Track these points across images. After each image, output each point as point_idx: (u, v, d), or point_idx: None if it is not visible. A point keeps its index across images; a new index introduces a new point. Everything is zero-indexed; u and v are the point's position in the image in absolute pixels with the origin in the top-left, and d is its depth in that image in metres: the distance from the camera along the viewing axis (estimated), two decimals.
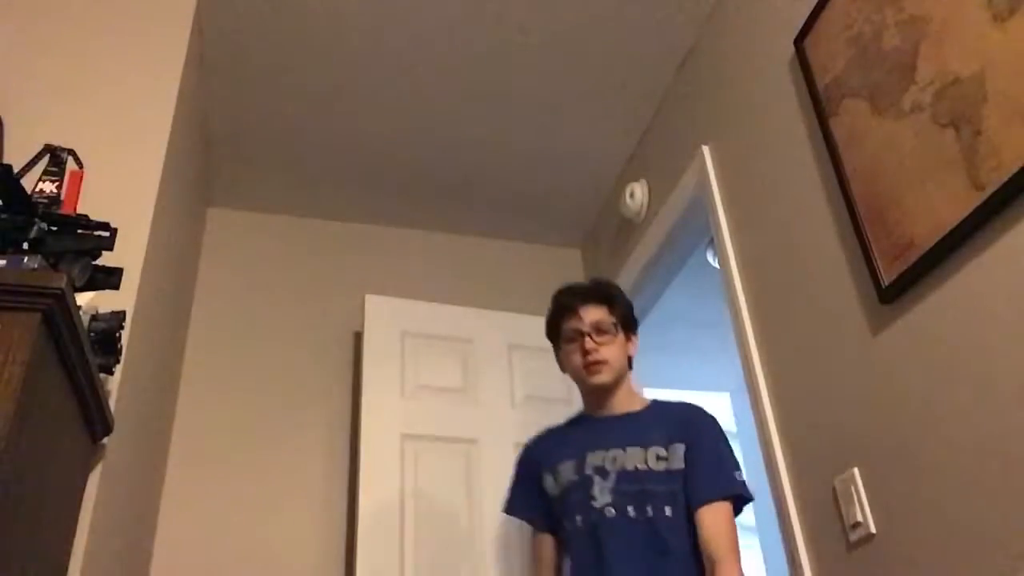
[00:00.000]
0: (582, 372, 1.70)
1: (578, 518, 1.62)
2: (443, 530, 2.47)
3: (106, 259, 1.39)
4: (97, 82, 1.95)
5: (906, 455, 1.48)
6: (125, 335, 1.53)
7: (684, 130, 2.54)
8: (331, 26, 2.38)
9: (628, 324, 1.76)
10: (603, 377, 1.68)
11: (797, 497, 1.80)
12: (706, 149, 2.37)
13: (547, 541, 1.74)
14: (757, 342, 2.03)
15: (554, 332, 1.78)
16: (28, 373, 1.07)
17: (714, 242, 2.33)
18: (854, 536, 1.58)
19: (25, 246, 1.25)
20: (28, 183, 1.41)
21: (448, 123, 2.77)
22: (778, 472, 1.85)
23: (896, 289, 1.51)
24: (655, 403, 1.76)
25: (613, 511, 1.58)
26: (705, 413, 1.70)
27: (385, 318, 2.77)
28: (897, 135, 1.52)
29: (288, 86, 2.58)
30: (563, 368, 1.79)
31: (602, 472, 1.63)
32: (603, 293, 1.76)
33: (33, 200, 1.34)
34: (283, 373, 2.77)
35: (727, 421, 4.07)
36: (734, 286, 2.15)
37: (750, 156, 2.15)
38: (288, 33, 2.39)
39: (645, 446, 1.62)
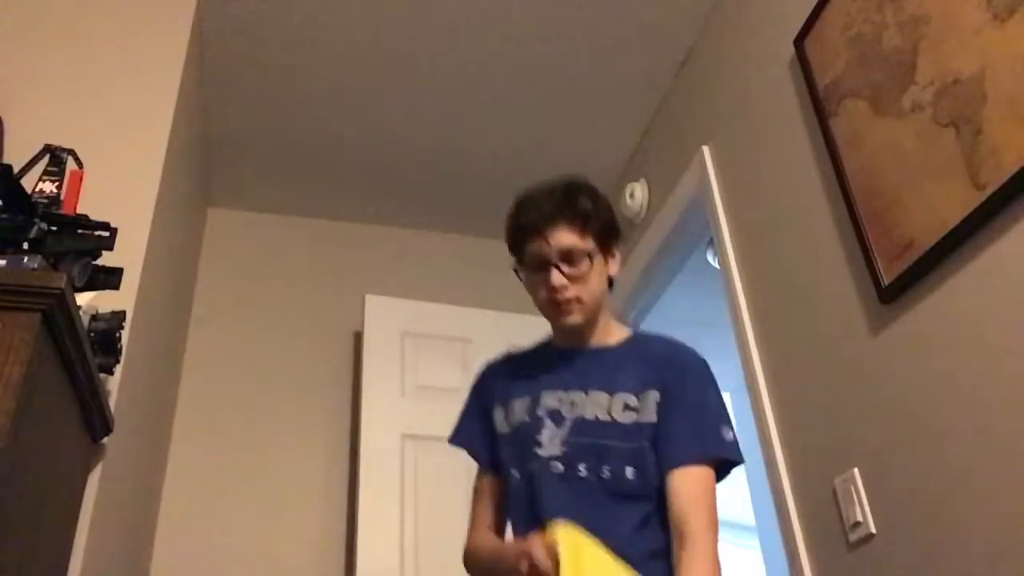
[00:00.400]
0: (549, 311, 1.40)
1: (527, 466, 1.34)
2: (443, 530, 2.47)
3: (106, 259, 1.39)
4: (97, 82, 1.95)
5: (906, 455, 1.48)
6: (125, 335, 1.53)
7: (684, 130, 2.55)
8: (331, 27, 2.38)
9: (608, 241, 1.42)
10: (575, 319, 1.37)
11: (797, 497, 1.80)
12: (706, 149, 2.37)
13: (491, 479, 1.45)
14: (757, 342, 2.03)
15: (516, 249, 1.43)
16: (28, 373, 1.08)
17: (714, 242, 2.33)
18: (854, 536, 1.58)
19: (25, 246, 1.25)
20: (28, 183, 1.41)
21: (448, 123, 2.76)
22: (778, 472, 1.85)
23: (896, 289, 1.51)
24: (635, 337, 1.47)
25: (561, 466, 1.30)
26: (689, 353, 1.41)
27: (385, 318, 2.77)
28: (897, 135, 1.52)
29: (288, 86, 2.58)
30: (528, 291, 1.46)
31: (556, 417, 1.34)
32: (576, 210, 1.37)
33: (33, 200, 1.34)
34: (283, 373, 2.77)
35: None
36: (734, 286, 2.15)
37: (750, 156, 2.15)
38: (288, 33, 2.39)
39: (612, 391, 1.34)
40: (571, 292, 1.35)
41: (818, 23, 1.80)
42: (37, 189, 1.43)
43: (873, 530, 1.53)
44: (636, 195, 2.77)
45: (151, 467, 2.26)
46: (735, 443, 1.31)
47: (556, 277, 1.34)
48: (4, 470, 1.03)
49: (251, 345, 2.79)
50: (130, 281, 1.60)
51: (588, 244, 1.36)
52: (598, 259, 1.38)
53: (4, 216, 1.26)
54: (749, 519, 3.73)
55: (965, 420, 1.34)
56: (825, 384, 1.74)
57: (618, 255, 1.45)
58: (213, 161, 2.85)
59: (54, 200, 1.42)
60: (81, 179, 1.47)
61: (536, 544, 1.12)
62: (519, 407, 1.41)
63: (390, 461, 2.52)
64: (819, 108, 1.78)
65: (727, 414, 1.34)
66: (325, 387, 2.78)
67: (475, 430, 1.49)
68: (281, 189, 3.02)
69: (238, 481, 2.54)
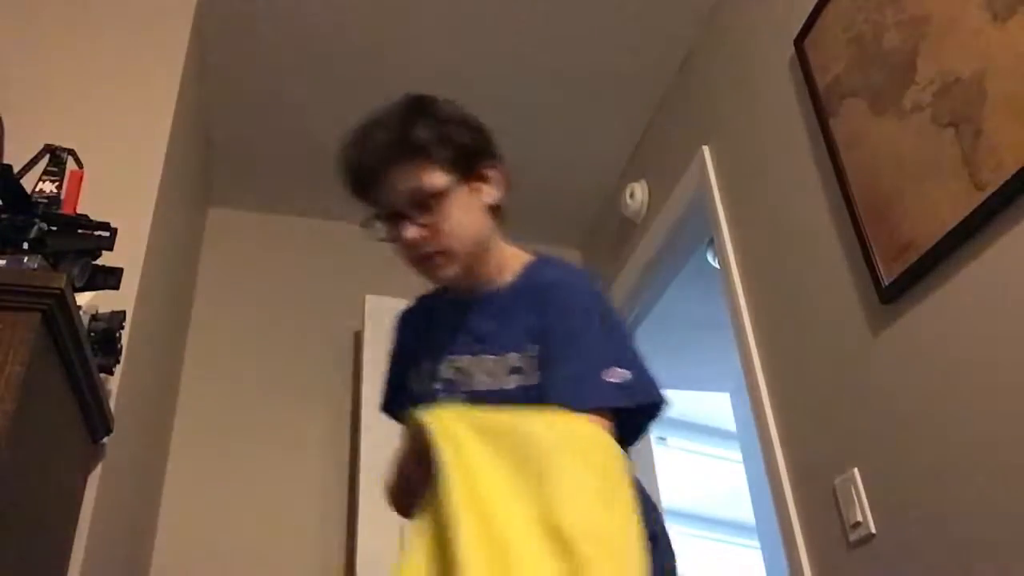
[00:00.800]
0: (416, 269, 1.15)
1: None
2: None
3: (106, 259, 1.39)
4: (97, 82, 1.95)
5: (906, 455, 1.48)
6: (125, 335, 1.53)
7: (684, 130, 2.54)
8: (331, 26, 2.38)
9: (470, 167, 1.14)
10: (445, 273, 1.13)
11: (797, 497, 1.80)
12: (706, 149, 2.37)
13: None
14: (757, 342, 2.03)
15: (361, 197, 1.18)
16: (28, 373, 1.07)
17: (714, 242, 2.33)
18: (854, 536, 1.58)
19: (25, 246, 1.25)
20: (28, 183, 1.41)
21: None
22: (778, 472, 1.85)
23: (896, 289, 1.51)
24: (527, 271, 1.17)
25: None
26: (568, 287, 1.13)
27: (385, 318, 2.76)
28: (897, 135, 1.52)
29: (288, 86, 2.58)
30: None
31: (451, 388, 1.14)
32: (414, 144, 1.10)
33: (33, 200, 1.34)
34: (283, 373, 2.77)
35: (727, 421, 4.06)
36: (734, 286, 2.15)
37: (750, 156, 2.15)
38: (288, 33, 2.39)
39: (499, 352, 1.10)
40: (431, 245, 1.10)
41: (818, 23, 1.80)
42: (37, 189, 1.43)
43: (873, 530, 1.53)
44: (636, 195, 2.77)
45: (151, 467, 2.26)
46: (627, 385, 1.00)
47: (409, 231, 1.09)
48: (4, 470, 1.03)
49: (251, 345, 2.79)
50: (130, 281, 1.60)
51: (439, 180, 1.10)
52: (459, 192, 1.11)
53: (4, 216, 1.26)
54: (749, 519, 3.73)
55: (965, 420, 1.34)
56: (825, 384, 1.74)
57: (495, 175, 1.17)
58: (213, 161, 2.85)
59: (54, 200, 1.42)
60: (81, 179, 1.47)
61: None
62: (423, 373, 1.21)
63: (390, 461, 2.52)
64: (819, 108, 1.78)
65: (619, 351, 1.05)
66: (325, 387, 2.78)
67: (397, 393, 1.31)
68: (281, 189, 3.02)
69: (238, 481, 2.53)
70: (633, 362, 1.04)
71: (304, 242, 3.08)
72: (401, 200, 1.10)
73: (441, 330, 1.21)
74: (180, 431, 2.57)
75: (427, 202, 1.09)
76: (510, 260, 1.19)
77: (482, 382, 1.11)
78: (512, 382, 1.08)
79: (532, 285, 1.14)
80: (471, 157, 1.14)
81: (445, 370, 1.16)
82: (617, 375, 1.00)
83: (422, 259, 1.12)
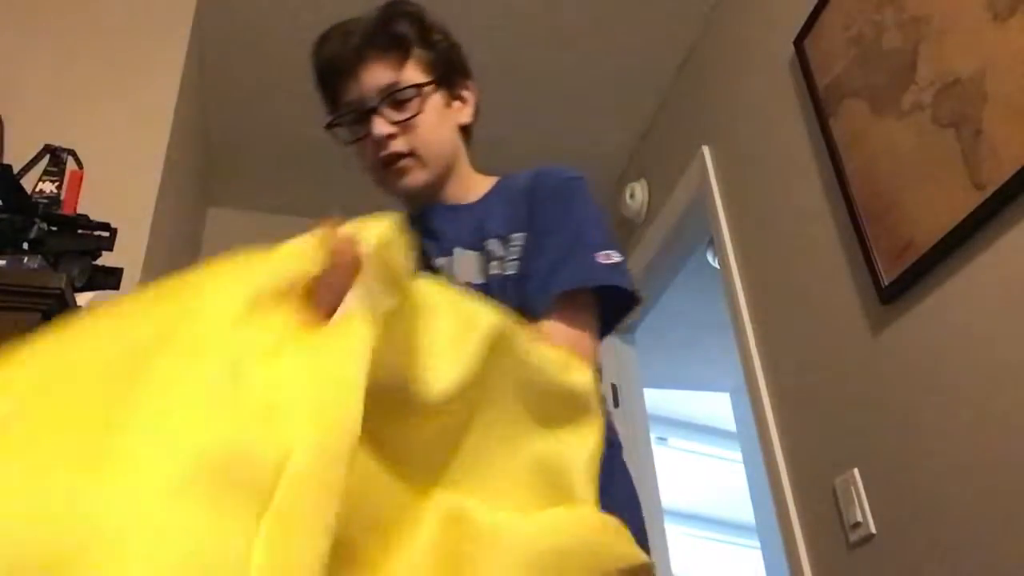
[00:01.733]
0: (381, 175, 1.05)
1: None
2: None
3: (106, 259, 1.39)
4: (97, 82, 1.95)
5: (906, 455, 1.48)
6: None
7: (684, 130, 2.55)
8: (329, 26, 2.38)
9: (448, 77, 1.10)
10: (413, 179, 1.04)
11: (797, 497, 1.80)
12: (706, 149, 2.37)
13: None
14: (757, 342, 2.03)
15: (329, 99, 1.09)
16: None
17: (714, 242, 2.33)
18: (854, 536, 1.58)
19: (25, 246, 1.25)
20: (28, 183, 1.41)
21: None
22: (778, 472, 1.85)
23: (896, 289, 1.51)
24: (500, 184, 1.11)
25: None
26: (549, 171, 1.07)
27: None
28: (897, 135, 1.52)
29: (288, 85, 2.57)
30: (358, 159, 1.10)
31: None
32: (393, 35, 1.04)
33: (33, 200, 1.34)
34: None
35: (727, 421, 4.07)
36: (734, 286, 2.15)
37: (750, 156, 2.15)
38: (288, 33, 2.39)
39: (480, 246, 1.01)
40: (401, 144, 1.02)
41: (818, 23, 1.80)
42: (37, 189, 1.43)
43: (873, 530, 1.53)
44: (636, 195, 2.77)
45: None
46: (620, 267, 0.96)
47: (378, 125, 1.01)
48: None
49: None
50: (130, 281, 1.60)
51: (417, 77, 1.04)
52: (435, 98, 1.06)
53: (4, 216, 1.26)
54: (749, 519, 3.73)
55: (965, 419, 1.34)
56: (825, 384, 1.74)
57: (470, 98, 1.14)
58: (213, 161, 2.85)
59: (54, 200, 1.42)
60: (81, 179, 1.47)
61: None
62: None
63: None
64: (819, 108, 1.78)
65: (610, 236, 1.01)
66: None
67: None
68: (281, 189, 3.02)
69: None
70: (621, 250, 0.98)
71: None
72: (375, 94, 1.02)
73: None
74: None
75: (403, 99, 1.02)
76: (478, 182, 1.11)
77: (466, 274, 0.99)
78: (498, 268, 0.97)
79: (509, 187, 1.07)
80: (451, 67, 1.10)
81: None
82: (611, 257, 0.95)
83: (388, 161, 1.03)
